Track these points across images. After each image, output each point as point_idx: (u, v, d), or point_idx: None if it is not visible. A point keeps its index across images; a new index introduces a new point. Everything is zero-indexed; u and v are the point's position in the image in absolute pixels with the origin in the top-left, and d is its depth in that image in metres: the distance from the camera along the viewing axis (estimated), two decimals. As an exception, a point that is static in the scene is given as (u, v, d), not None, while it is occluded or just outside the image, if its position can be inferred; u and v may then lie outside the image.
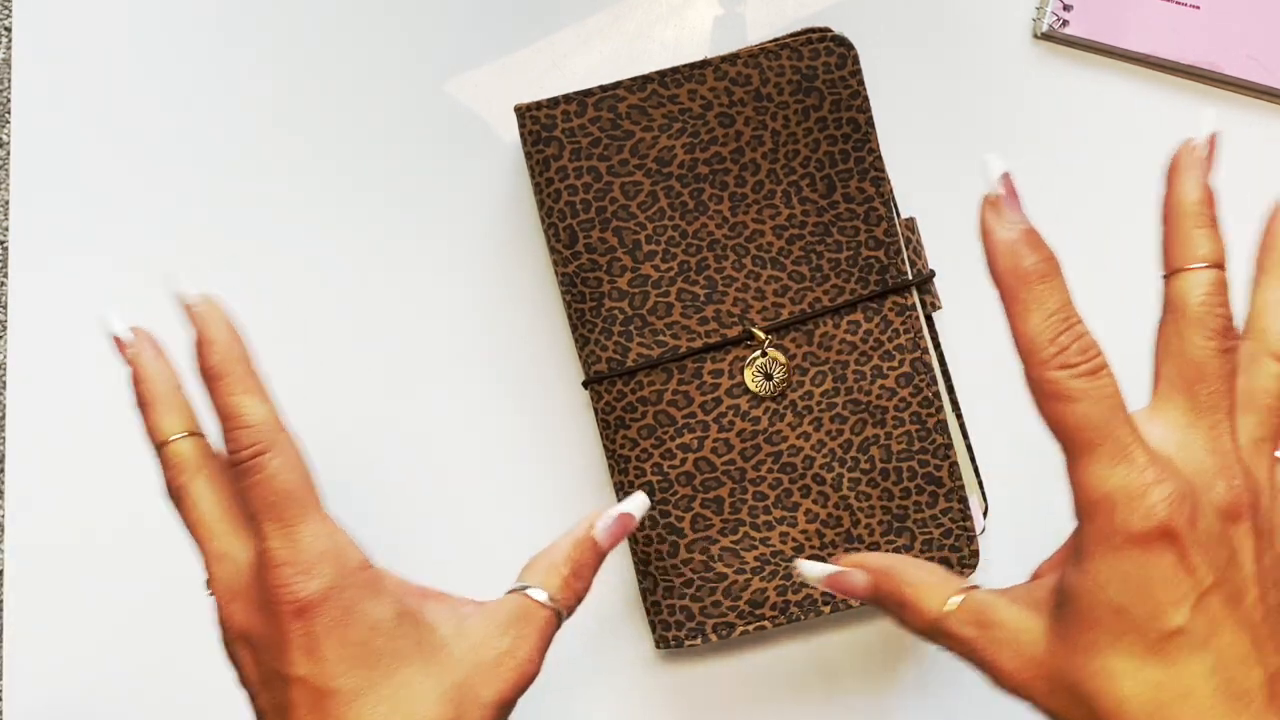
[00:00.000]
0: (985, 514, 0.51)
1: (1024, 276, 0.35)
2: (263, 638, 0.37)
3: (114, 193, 0.54)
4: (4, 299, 0.54)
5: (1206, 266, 0.36)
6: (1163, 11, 0.54)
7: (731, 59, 0.49)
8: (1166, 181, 0.37)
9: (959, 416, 0.51)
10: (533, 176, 0.50)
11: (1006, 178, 0.35)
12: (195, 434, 0.40)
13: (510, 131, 0.54)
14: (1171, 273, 0.37)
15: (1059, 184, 0.55)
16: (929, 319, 0.51)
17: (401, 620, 0.38)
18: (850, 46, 0.49)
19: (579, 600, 0.41)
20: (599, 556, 0.42)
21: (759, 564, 0.49)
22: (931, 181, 0.54)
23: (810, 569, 0.41)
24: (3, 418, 0.54)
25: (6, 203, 0.55)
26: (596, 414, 0.50)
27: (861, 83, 0.49)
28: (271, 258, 0.54)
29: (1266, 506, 0.36)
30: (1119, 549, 0.34)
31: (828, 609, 0.49)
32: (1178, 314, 0.37)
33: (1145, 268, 0.55)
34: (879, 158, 0.50)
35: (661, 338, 0.49)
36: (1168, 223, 0.37)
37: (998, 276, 0.36)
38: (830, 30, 0.50)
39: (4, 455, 0.53)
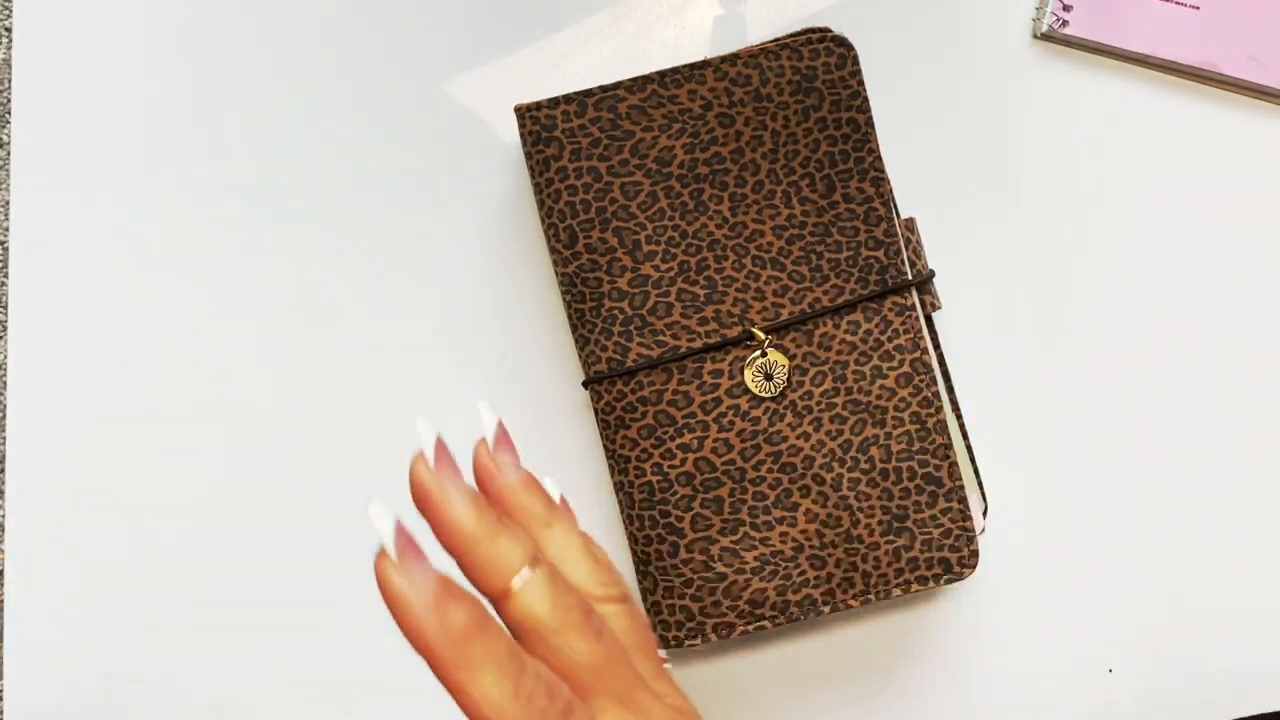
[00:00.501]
0: (985, 514, 0.51)
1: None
2: None
3: (114, 193, 0.54)
4: (4, 299, 0.54)
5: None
6: (1162, 11, 0.54)
7: (731, 59, 0.49)
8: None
9: (959, 416, 0.51)
10: (533, 177, 0.50)
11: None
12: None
13: (510, 131, 0.54)
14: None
15: (1058, 184, 0.55)
16: (929, 319, 0.51)
17: None
18: (850, 47, 0.49)
19: None
20: None
21: (759, 564, 0.49)
22: (931, 181, 0.54)
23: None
24: (3, 418, 0.54)
25: (6, 203, 0.55)
26: (596, 414, 0.50)
27: (861, 83, 0.49)
28: (271, 257, 0.54)
29: None
30: None
31: (827, 609, 0.49)
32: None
33: (1145, 266, 0.55)
34: (879, 158, 0.50)
35: (661, 338, 0.49)
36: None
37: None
38: (830, 30, 0.50)
39: (4, 455, 0.53)
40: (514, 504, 0.34)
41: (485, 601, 0.32)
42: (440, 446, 0.33)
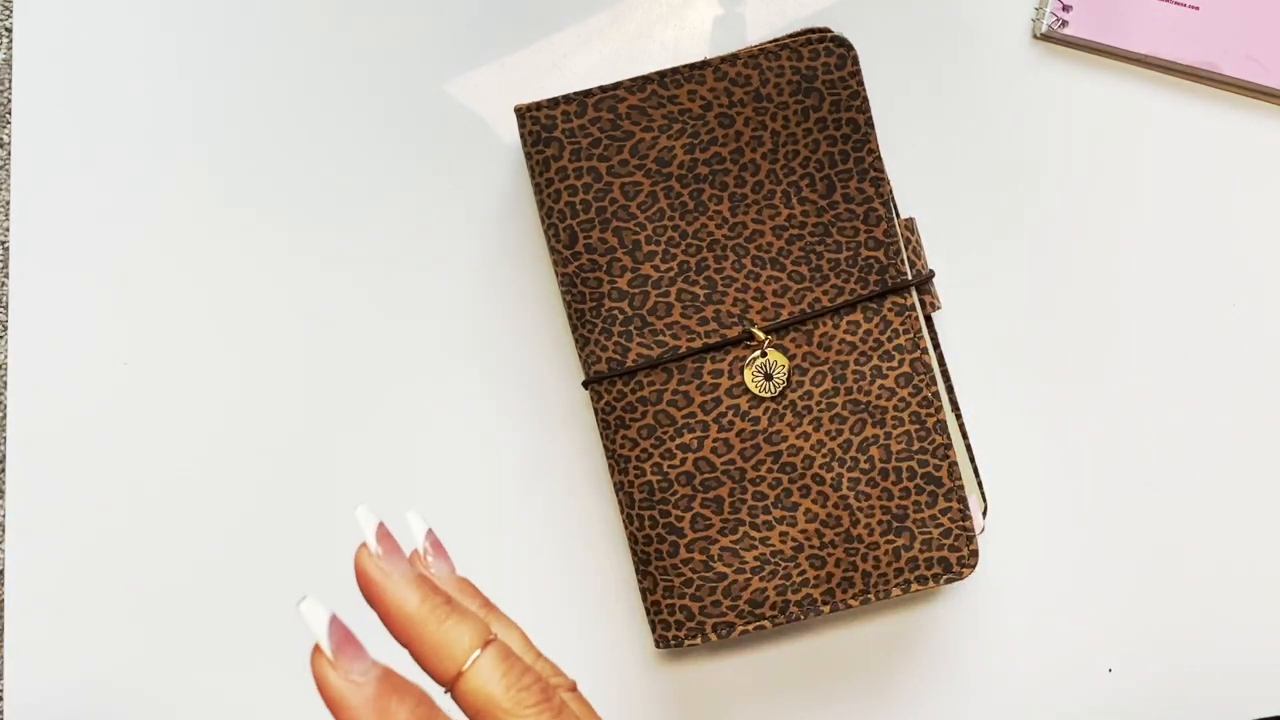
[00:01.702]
0: (985, 514, 0.51)
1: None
2: None
3: (114, 193, 0.54)
4: (4, 299, 0.54)
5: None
6: (1162, 12, 0.54)
7: (731, 59, 0.49)
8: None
9: (958, 416, 0.51)
10: (533, 177, 0.50)
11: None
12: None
13: (510, 131, 0.54)
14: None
15: (1058, 184, 0.55)
16: (928, 319, 0.51)
17: None
18: (850, 47, 0.49)
19: None
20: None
21: (759, 564, 0.49)
22: (931, 181, 0.54)
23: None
24: (3, 418, 0.54)
25: (7, 203, 0.55)
26: (596, 414, 0.50)
27: (861, 83, 0.49)
28: (271, 257, 0.54)
29: None
30: None
31: (827, 609, 0.49)
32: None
33: (1145, 266, 0.55)
34: (878, 158, 0.50)
35: (661, 338, 0.49)
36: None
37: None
38: (830, 30, 0.50)
39: (4, 455, 0.53)
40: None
41: (441, 690, 0.31)
42: (383, 533, 0.32)
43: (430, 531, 0.34)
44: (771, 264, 0.49)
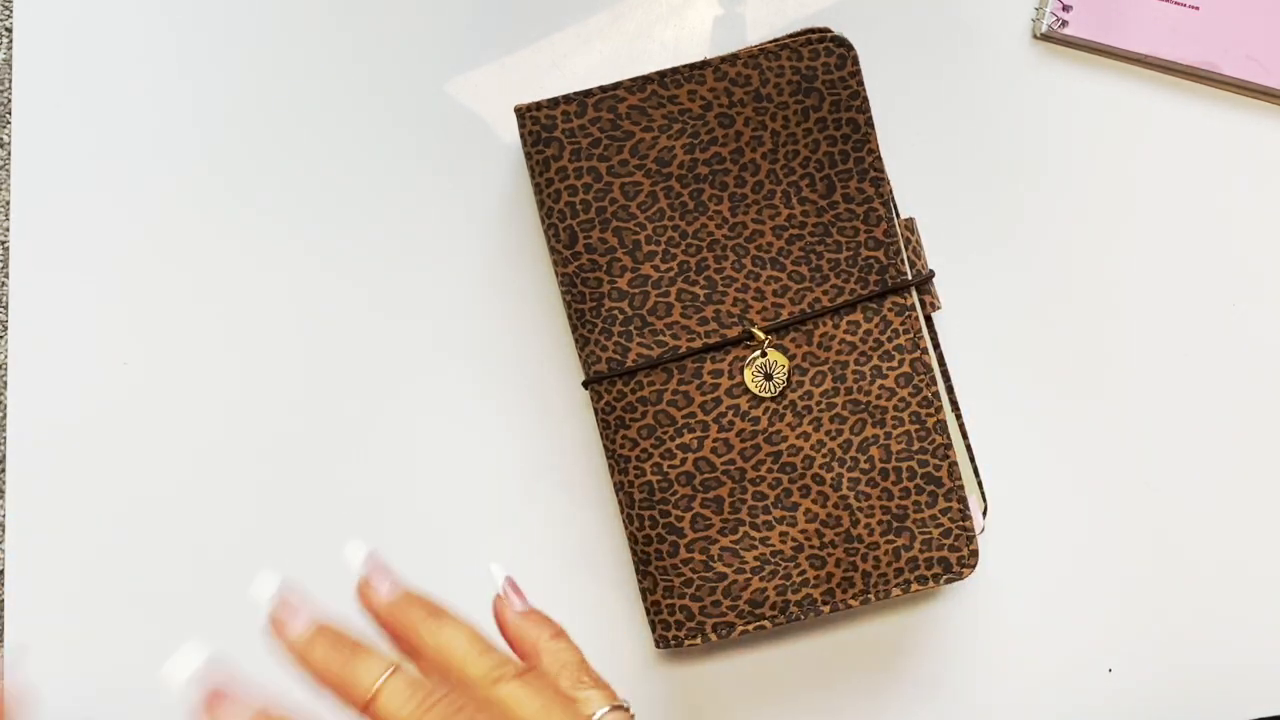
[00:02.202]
0: (985, 514, 0.51)
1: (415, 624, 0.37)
2: None
3: (114, 193, 0.54)
4: (4, 299, 0.54)
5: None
6: (1162, 12, 0.54)
7: (731, 59, 0.49)
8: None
9: (958, 416, 0.51)
10: (533, 177, 0.50)
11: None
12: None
13: (510, 131, 0.54)
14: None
15: (1058, 184, 0.55)
16: (928, 319, 0.51)
17: None
18: (850, 47, 0.49)
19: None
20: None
21: (759, 564, 0.49)
22: (931, 181, 0.54)
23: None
24: (3, 418, 0.54)
25: (7, 203, 0.55)
26: (596, 414, 0.50)
27: (861, 83, 0.49)
28: (271, 257, 0.54)
29: None
30: None
31: (827, 609, 0.49)
32: None
33: (1145, 266, 0.55)
34: (878, 158, 0.50)
35: (661, 338, 0.49)
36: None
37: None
38: (830, 30, 0.50)
39: (4, 455, 0.53)
40: (403, 619, 0.38)
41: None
42: (285, 604, 0.38)
43: (371, 555, 0.38)
44: (771, 264, 0.49)
